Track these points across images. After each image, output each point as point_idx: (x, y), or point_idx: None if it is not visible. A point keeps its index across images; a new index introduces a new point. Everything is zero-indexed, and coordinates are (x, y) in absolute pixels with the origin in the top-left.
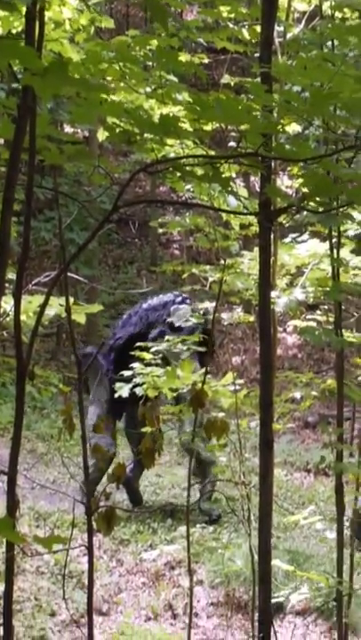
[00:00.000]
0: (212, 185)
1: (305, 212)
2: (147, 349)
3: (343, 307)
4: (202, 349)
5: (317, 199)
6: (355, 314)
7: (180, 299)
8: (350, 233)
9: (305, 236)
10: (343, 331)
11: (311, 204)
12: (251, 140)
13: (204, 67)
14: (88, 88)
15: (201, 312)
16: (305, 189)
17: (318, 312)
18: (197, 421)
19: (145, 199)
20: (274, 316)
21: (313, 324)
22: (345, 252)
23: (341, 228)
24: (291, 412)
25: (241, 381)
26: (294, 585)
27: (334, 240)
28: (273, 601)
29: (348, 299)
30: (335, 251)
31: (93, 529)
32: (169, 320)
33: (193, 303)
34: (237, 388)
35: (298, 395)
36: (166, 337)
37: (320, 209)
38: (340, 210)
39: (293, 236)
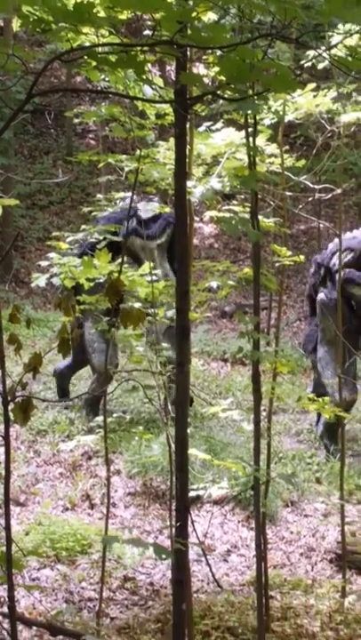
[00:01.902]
0: (127, 74)
1: (221, 101)
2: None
3: (259, 195)
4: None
5: (234, 87)
6: (271, 202)
7: (147, 199)
8: (266, 121)
9: (220, 125)
10: (260, 219)
11: (227, 91)
12: (166, 28)
13: None
14: None
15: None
16: (221, 77)
17: (235, 201)
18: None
19: (60, 88)
20: (190, 205)
21: (229, 213)
22: (261, 141)
23: (257, 117)
24: (208, 300)
25: (158, 271)
26: (211, 474)
27: (250, 128)
28: (192, 494)
29: (264, 187)
30: (251, 139)
31: (10, 419)
32: (138, 214)
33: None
34: (154, 277)
35: (214, 284)
36: (138, 242)
37: (236, 97)
38: (256, 97)
39: (209, 124)
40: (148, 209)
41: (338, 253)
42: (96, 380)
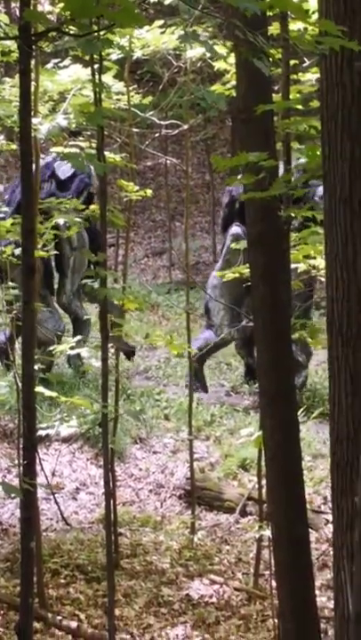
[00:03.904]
0: None
1: (66, 37)
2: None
3: (106, 132)
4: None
5: (78, 23)
6: (118, 139)
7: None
8: (113, 57)
9: (67, 62)
10: (106, 155)
11: (72, 27)
12: None
13: None
14: None
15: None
16: (66, 13)
17: (81, 138)
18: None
19: None
20: (36, 142)
21: (76, 149)
22: (107, 78)
23: (104, 53)
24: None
25: (6, 209)
26: (60, 412)
27: (96, 65)
28: (42, 432)
29: (110, 124)
30: (97, 76)
31: None
32: (56, 175)
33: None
34: (1, 215)
35: (61, 221)
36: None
37: (80, 33)
38: (102, 34)
39: (57, 61)
40: (65, 168)
41: None
42: None
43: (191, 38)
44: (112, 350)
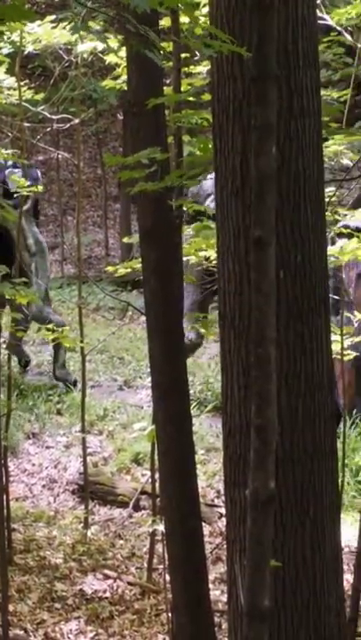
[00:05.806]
0: None
1: None
2: None
3: None
4: None
5: None
6: (9, 134)
7: (10, 162)
8: (4, 52)
9: None
10: None
11: None
12: None
13: None
14: None
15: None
16: None
17: None
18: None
19: None
20: None
21: None
22: None
23: None
24: None
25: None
26: None
27: None
28: None
29: (1, 119)
30: None
31: None
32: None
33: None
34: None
35: None
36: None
37: None
38: None
39: None
40: (14, 180)
41: (213, 196)
42: None
43: (82, 28)
44: (4, 346)
